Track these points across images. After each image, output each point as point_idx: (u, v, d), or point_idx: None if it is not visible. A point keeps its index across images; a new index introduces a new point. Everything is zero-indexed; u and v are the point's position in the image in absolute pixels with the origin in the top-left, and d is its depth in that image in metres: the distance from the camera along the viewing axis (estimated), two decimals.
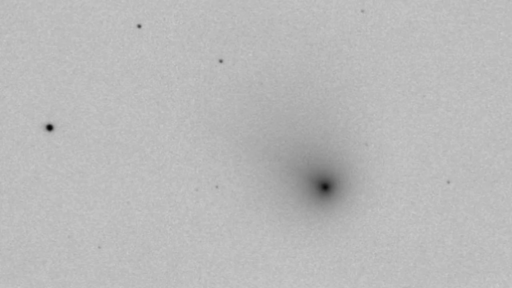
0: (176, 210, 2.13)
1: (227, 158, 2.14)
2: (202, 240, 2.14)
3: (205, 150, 2.14)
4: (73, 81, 2.13)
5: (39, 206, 2.12)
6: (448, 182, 2.14)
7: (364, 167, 2.12)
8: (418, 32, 2.16)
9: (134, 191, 2.13)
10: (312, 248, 2.14)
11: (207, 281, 2.14)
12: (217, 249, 2.14)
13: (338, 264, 2.14)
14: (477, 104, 2.16)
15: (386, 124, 2.15)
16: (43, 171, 2.12)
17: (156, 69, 2.14)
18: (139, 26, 2.14)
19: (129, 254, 2.13)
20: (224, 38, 2.15)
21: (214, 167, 2.14)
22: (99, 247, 2.12)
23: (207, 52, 2.15)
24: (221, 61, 2.14)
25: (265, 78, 2.15)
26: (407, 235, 2.14)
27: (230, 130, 2.14)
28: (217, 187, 2.13)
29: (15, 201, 2.12)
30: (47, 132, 2.12)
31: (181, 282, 2.14)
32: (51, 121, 2.12)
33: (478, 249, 2.15)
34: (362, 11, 2.14)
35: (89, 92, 2.13)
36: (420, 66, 2.16)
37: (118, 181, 2.13)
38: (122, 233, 2.13)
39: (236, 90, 2.15)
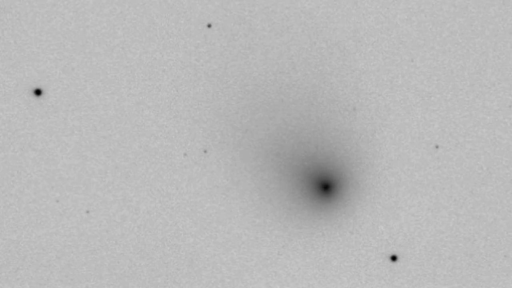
0: (164, 175, 2.13)
1: (215, 123, 2.14)
2: (190, 205, 2.14)
3: (193, 115, 2.14)
4: (62, 45, 2.13)
5: (27, 171, 2.12)
6: (437, 147, 2.14)
7: (364, 168, 2.12)
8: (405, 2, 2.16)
9: (123, 156, 2.13)
10: (312, 248, 2.14)
11: (195, 248, 2.14)
12: (206, 219, 2.14)
13: (338, 263, 2.14)
14: (465, 69, 2.16)
15: (375, 90, 2.15)
16: (31, 136, 2.12)
17: (143, 34, 2.14)
18: None
19: (117, 219, 2.13)
20: (213, 2, 2.15)
21: (202, 131, 2.13)
22: (87, 212, 2.12)
23: (195, 16, 2.14)
24: (209, 25, 2.14)
25: (254, 42, 2.15)
26: (408, 235, 2.14)
27: (218, 95, 2.14)
28: (205, 151, 2.13)
29: (2, 167, 2.12)
30: (35, 97, 2.12)
31: (169, 246, 2.14)
32: (40, 86, 2.12)
33: (468, 215, 2.15)
34: None
35: (77, 57, 2.13)
36: (407, 32, 2.16)
37: (106, 146, 2.13)
38: (110, 198, 2.12)
39: (225, 56, 2.15)
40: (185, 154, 2.13)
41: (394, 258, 2.14)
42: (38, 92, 2.11)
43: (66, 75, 2.13)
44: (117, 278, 2.13)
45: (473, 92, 2.15)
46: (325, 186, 2.12)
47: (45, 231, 2.12)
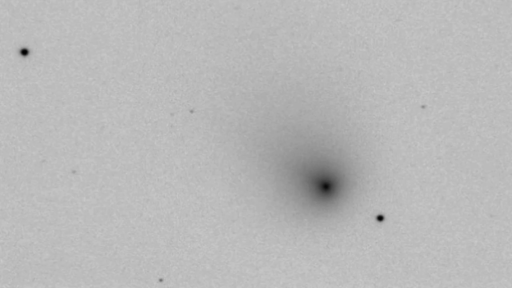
0: (151, 134, 2.13)
1: (202, 82, 2.14)
2: (177, 165, 2.14)
3: (180, 76, 2.14)
4: (49, 4, 2.13)
5: (12, 130, 2.11)
6: (423, 107, 2.15)
7: (364, 168, 2.13)
8: None
9: (109, 116, 2.12)
10: (312, 247, 2.14)
11: (180, 208, 2.14)
12: (192, 179, 2.14)
13: (338, 263, 2.14)
14: (452, 29, 2.17)
15: (363, 53, 2.16)
16: (18, 96, 2.12)
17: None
18: None
19: (102, 179, 2.12)
20: None
21: (189, 91, 2.14)
22: (73, 172, 2.12)
23: None
24: None
25: (245, 4, 2.15)
26: (408, 235, 2.14)
27: (205, 55, 2.15)
28: (191, 111, 2.13)
29: None
30: (21, 57, 2.12)
31: (155, 206, 2.13)
32: (26, 46, 2.12)
33: (455, 175, 2.15)
34: None
35: (65, 16, 2.13)
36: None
37: (93, 106, 2.12)
38: (96, 158, 2.12)
39: (212, 17, 2.15)
40: (171, 114, 2.13)
41: (380, 218, 2.15)
42: (24, 52, 2.11)
43: (53, 34, 2.13)
44: (103, 238, 2.13)
45: (459, 53, 2.16)
46: (326, 186, 2.13)
47: (31, 192, 2.11)
